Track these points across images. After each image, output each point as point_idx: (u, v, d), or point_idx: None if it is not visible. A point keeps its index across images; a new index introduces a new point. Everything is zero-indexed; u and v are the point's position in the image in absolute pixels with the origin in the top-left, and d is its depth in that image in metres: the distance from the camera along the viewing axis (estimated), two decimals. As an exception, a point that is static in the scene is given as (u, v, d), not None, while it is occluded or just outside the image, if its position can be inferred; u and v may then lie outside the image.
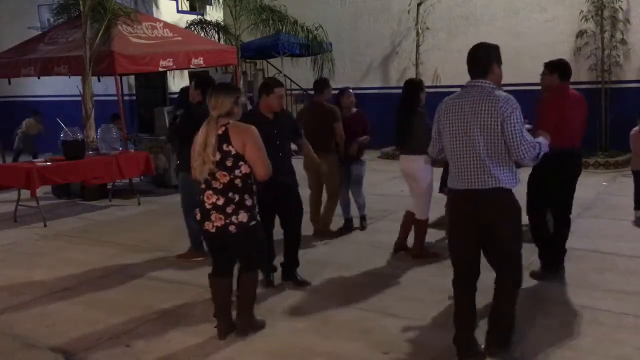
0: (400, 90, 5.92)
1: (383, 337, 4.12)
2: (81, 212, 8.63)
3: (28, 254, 6.59)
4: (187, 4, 15.49)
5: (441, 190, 6.41)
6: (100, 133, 9.38)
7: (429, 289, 4.98)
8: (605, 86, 11.72)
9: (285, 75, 14.69)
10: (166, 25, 11.04)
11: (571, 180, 5.12)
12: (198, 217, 4.03)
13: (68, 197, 9.45)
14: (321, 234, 6.71)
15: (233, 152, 3.82)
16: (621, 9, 11.75)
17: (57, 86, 13.76)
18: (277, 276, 5.25)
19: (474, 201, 3.55)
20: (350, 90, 6.92)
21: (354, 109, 6.83)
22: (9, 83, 11.00)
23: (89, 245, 6.85)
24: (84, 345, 4.14)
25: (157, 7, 14.34)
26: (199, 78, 6.19)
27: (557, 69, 5.12)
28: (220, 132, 3.83)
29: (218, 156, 3.82)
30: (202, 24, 14.06)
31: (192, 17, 14.39)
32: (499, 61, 3.64)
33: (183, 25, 13.27)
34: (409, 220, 5.98)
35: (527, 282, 4.64)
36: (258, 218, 4.06)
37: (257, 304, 4.34)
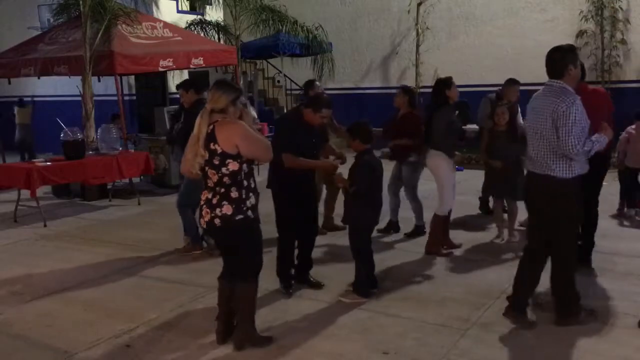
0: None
1: (383, 337, 4.12)
2: (81, 212, 8.63)
3: (28, 254, 6.59)
4: (187, 4, 15.48)
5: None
6: (100, 133, 9.36)
7: (429, 290, 4.98)
8: (605, 86, 11.70)
9: (285, 75, 14.71)
10: (166, 25, 11.03)
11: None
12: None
13: (68, 197, 9.46)
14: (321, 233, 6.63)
15: (219, 151, 3.69)
16: (621, 9, 11.76)
17: (57, 86, 13.77)
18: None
19: (533, 183, 4.11)
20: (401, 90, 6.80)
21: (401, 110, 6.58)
22: (9, 83, 11.00)
23: (89, 245, 6.84)
24: (84, 345, 4.14)
25: (157, 7, 14.33)
26: (188, 82, 6.33)
27: None
28: (209, 130, 3.72)
29: (206, 154, 3.73)
30: (202, 24, 14.07)
31: (192, 17, 14.39)
32: (574, 62, 3.96)
33: (183, 25, 13.27)
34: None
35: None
36: (251, 215, 3.81)
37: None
